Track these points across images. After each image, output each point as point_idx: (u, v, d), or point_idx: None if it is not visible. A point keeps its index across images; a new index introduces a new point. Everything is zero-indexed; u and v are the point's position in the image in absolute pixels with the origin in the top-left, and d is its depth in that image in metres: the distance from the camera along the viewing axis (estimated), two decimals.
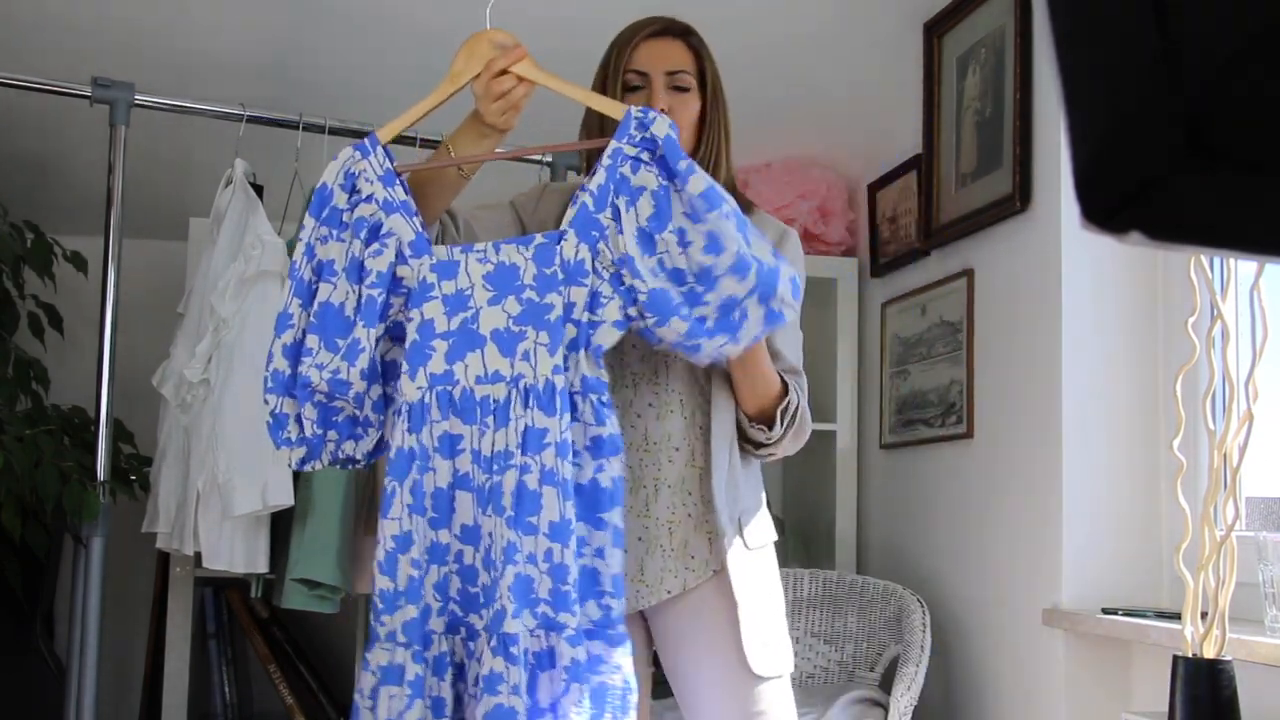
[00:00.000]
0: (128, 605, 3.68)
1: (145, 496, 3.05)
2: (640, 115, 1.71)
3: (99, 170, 2.78)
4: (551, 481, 1.66)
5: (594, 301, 1.69)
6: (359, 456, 1.81)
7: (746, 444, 1.92)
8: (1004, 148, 2.62)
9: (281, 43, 3.05)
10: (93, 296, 2.79)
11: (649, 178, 1.70)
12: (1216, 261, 2.05)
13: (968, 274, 2.79)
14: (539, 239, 1.74)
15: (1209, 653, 1.83)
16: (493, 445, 1.68)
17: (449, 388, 1.71)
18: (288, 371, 1.75)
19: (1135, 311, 2.44)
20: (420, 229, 1.76)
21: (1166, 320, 2.42)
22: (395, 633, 1.69)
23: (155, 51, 3.05)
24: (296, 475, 2.68)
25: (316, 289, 1.75)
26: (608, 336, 1.70)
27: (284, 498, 2.62)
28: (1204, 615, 1.86)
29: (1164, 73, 0.61)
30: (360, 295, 1.73)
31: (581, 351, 1.70)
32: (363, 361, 1.71)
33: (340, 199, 1.77)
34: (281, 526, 2.78)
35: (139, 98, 2.68)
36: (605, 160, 1.71)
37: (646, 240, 1.69)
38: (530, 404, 1.68)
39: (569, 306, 1.70)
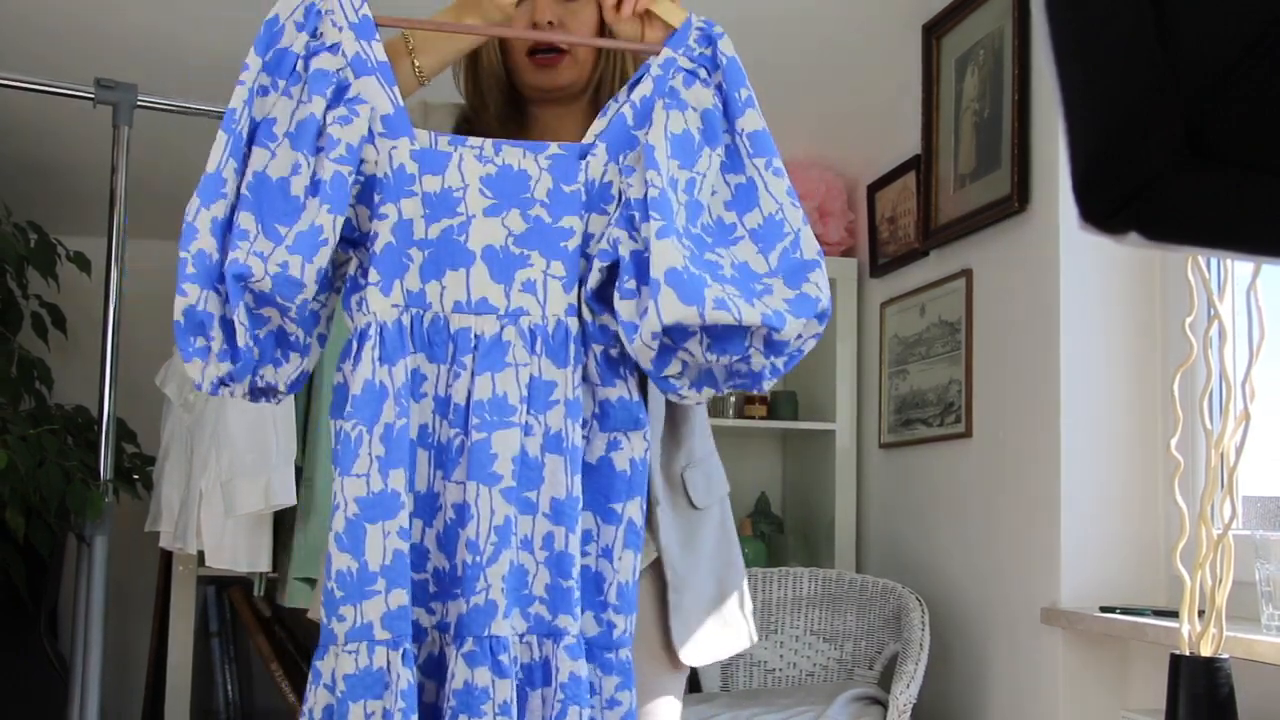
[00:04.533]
0: (131, 604, 3.69)
1: (148, 495, 3.07)
2: (703, 26, 1.45)
3: (102, 171, 2.79)
4: (558, 449, 1.35)
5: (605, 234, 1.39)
6: (281, 386, 1.39)
7: None
8: (1002, 148, 2.63)
9: None
10: (96, 296, 2.80)
11: (704, 95, 1.42)
12: (1214, 262, 2.06)
13: (966, 274, 2.80)
14: (555, 148, 1.41)
15: (1206, 651, 1.84)
16: (471, 393, 1.35)
17: (421, 312, 1.37)
18: (215, 256, 1.31)
19: (1133, 312, 2.45)
20: (399, 102, 1.39)
21: (1164, 320, 2.43)
22: (370, 626, 1.31)
23: (158, 53, 3.06)
24: (298, 474, 2.69)
25: (249, 154, 1.35)
26: (593, 276, 1.39)
27: (286, 497, 2.63)
28: (1201, 613, 1.87)
29: (1162, 75, 0.62)
30: (320, 170, 1.33)
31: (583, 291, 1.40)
32: (322, 258, 1.31)
33: (296, 41, 1.37)
34: (284, 525, 2.79)
35: (142, 99, 2.69)
36: (655, 70, 1.43)
37: (684, 153, 1.39)
38: (537, 349, 1.37)
39: (587, 236, 1.40)
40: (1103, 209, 0.64)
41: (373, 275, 1.36)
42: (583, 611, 1.37)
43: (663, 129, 1.38)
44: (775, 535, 3.60)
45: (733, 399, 3.50)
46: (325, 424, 2.74)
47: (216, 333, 1.32)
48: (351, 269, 1.40)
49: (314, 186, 1.33)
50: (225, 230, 1.32)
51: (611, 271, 1.38)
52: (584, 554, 1.38)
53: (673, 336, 1.33)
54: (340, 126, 1.34)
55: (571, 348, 1.37)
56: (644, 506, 1.41)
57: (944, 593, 2.85)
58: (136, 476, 3.16)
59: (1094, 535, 2.39)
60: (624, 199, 1.39)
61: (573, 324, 1.38)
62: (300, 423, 2.74)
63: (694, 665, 1.57)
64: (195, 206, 1.32)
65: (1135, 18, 0.61)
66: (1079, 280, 2.43)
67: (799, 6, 2.95)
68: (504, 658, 1.31)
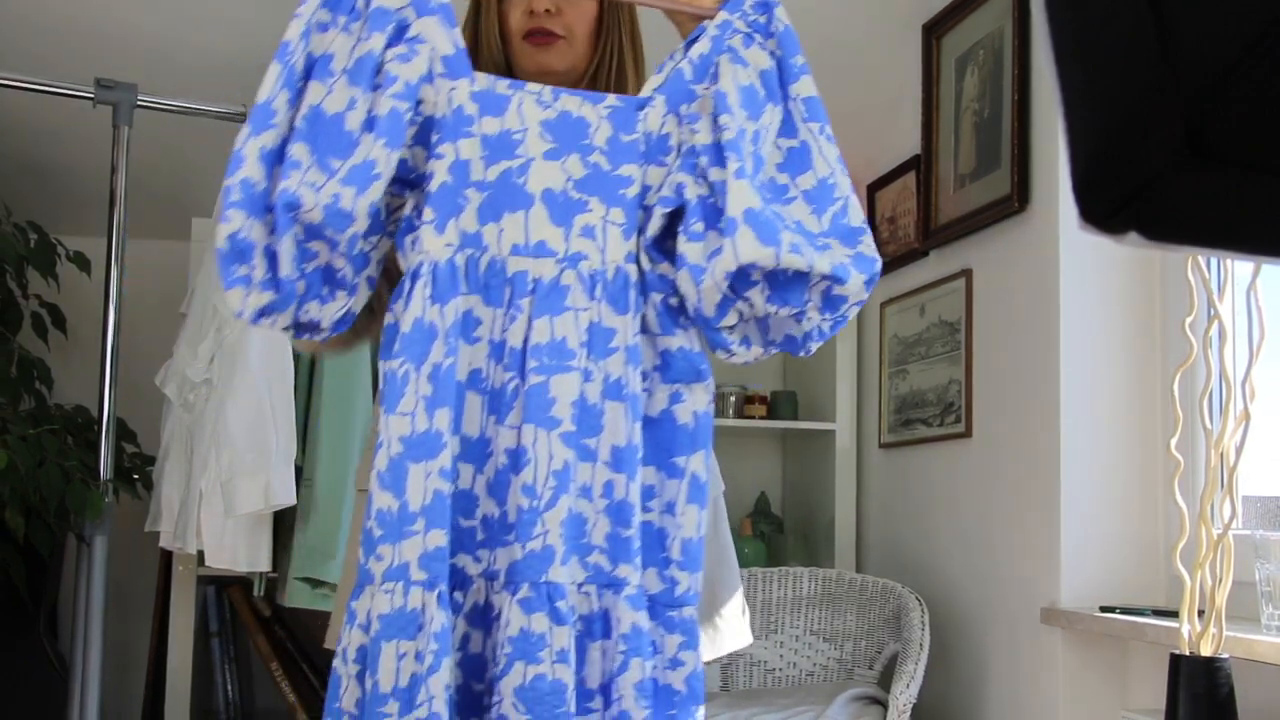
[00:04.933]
0: (131, 603, 3.69)
1: (148, 495, 3.07)
2: None
3: (102, 171, 2.79)
4: (618, 395, 1.33)
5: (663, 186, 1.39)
6: (325, 324, 1.35)
7: None
8: (1002, 148, 2.63)
9: None
10: (96, 296, 2.80)
11: (761, 57, 1.43)
12: (1214, 262, 2.06)
13: (966, 274, 2.80)
14: (612, 99, 1.41)
15: (1206, 650, 1.84)
16: (529, 336, 1.33)
17: (477, 254, 1.35)
18: (262, 184, 1.28)
19: (1133, 311, 2.45)
20: (459, 44, 1.38)
21: (1164, 320, 2.43)
22: (407, 566, 1.27)
23: (158, 53, 3.06)
24: (298, 474, 2.69)
25: (304, 88, 1.32)
26: (654, 223, 1.38)
27: (286, 497, 2.63)
28: (1201, 613, 1.87)
29: (1162, 75, 0.62)
30: (377, 107, 1.31)
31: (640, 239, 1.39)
32: (374, 192, 1.28)
33: None
34: (284, 525, 2.79)
35: (142, 99, 2.69)
36: (713, 30, 1.43)
37: (752, 105, 1.39)
38: (597, 294, 1.35)
39: (645, 187, 1.39)
40: (1103, 209, 0.64)
41: (427, 214, 1.34)
42: (646, 568, 1.35)
43: (732, 79, 1.38)
44: (775, 535, 3.60)
45: (733, 399, 3.50)
46: (325, 424, 2.74)
47: (260, 261, 1.28)
48: (407, 210, 1.37)
49: (369, 122, 1.31)
50: (274, 160, 1.29)
51: (671, 219, 1.37)
52: (646, 510, 1.36)
53: (735, 286, 1.33)
54: (399, 64, 1.32)
55: (631, 294, 1.36)
56: (707, 461, 1.38)
57: (944, 593, 2.85)
58: (136, 476, 3.16)
59: (1094, 535, 2.39)
60: (686, 147, 1.39)
61: (632, 271, 1.37)
62: (300, 423, 2.74)
63: None
64: (244, 135, 1.29)
65: (1135, 18, 0.61)
66: (1079, 280, 2.43)
67: (799, 6, 2.94)
68: (562, 604, 1.28)
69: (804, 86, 1.43)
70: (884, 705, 2.65)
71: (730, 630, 1.64)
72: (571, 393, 1.32)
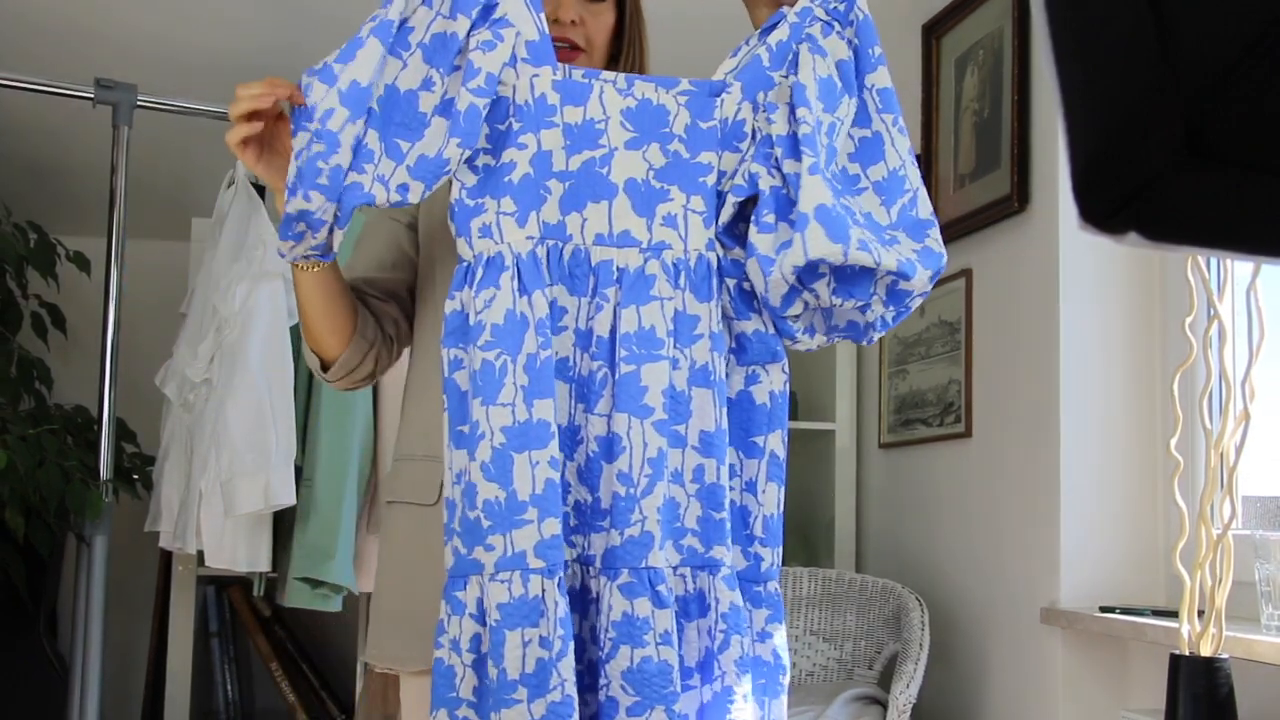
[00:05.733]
0: (131, 604, 3.69)
1: (148, 495, 3.07)
2: None
3: (102, 171, 2.79)
4: (705, 382, 1.35)
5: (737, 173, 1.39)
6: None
7: None
8: (1002, 148, 2.63)
9: (283, 44, 3.06)
10: (95, 297, 2.80)
11: (839, 46, 1.42)
12: (1214, 262, 2.06)
13: (966, 274, 2.80)
14: (686, 84, 1.41)
15: (1206, 650, 1.84)
16: (617, 325, 1.34)
17: (560, 243, 1.36)
18: (345, 170, 1.28)
19: (1133, 311, 2.45)
20: (544, 29, 1.37)
21: (1164, 320, 2.43)
22: (524, 555, 1.28)
23: (158, 53, 3.06)
24: (298, 474, 2.69)
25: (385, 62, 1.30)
26: (726, 211, 1.39)
27: (286, 497, 2.63)
28: (1201, 613, 1.87)
29: (1162, 75, 0.62)
30: (457, 97, 1.30)
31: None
32: (440, 184, 1.32)
33: None
34: (284, 525, 2.79)
35: (142, 99, 2.69)
36: (792, 18, 1.42)
37: (829, 97, 1.38)
38: (681, 283, 1.36)
39: (720, 173, 1.40)
40: (1102, 209, 0.64)
41: (507, 204, 1.34)
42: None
43: (811, 70, 1.38)
44: None
45: None
46: (325, 424, 2.74)
47: (323, 234, 1.30)
48: (455, 192, 1.36)
49: (444, 107, 1.31)
50: (359, 144, 1.29)
51: (743, 206, 1.38)
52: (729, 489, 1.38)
53: (802, 278, 1.34)
54: (483, 53, 1.31)
55: (713, 282, 1.37)
56: (785, 439, 1.40)
57: (944, 593, 2.85)
58: (136, 476, 3.17)
59: (1094, 535, 2.39)
60: (762, 136, 1.39)
61: (713, 258, 1.38)
62: (300, 423, 2.74)
63: None
64: (343, 119, 1.27)
65: (1135, 18, 0.61)
66: (1079, 280, 2.43)
67: None
68: (662, 588, 1.30)
69: (880, 77, 1.43)
70: (884, 705, 2.65)
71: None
72: (662, 381, 1.33)
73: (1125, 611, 2.22)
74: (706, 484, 1.34)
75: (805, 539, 3.64)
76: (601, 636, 1.31)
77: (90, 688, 2.58)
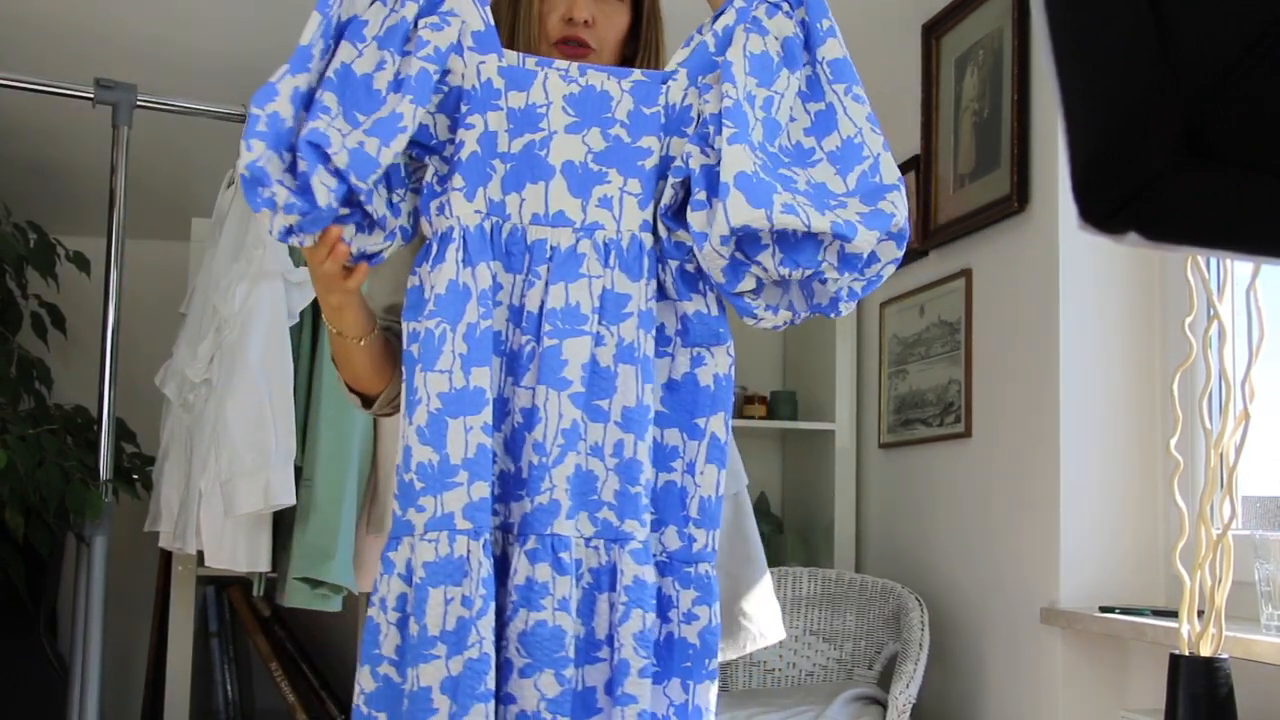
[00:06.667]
0: (130, 604, 3.69)
1: (148, 495, 3.07)
2: None
3: (102, 171, 2.79)
4: (630, 359, 1.38)
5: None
6: (366, 250, 1.40)
7: None
8: (1002, 148, 2.64)
9: (283, 44, 3.06)
10: (95, 297, 2.81)
11: (785, 24, 1.44)
12: (1213, 262, 2.07)
13: (966, 274, 2.80)
14: (637, 74, 1.45)
15: (1206, 651, 1.84)
16: (545, 301, 1.38)
17: (500, 222, 1.40)
18: (289, 123, 1.30)
19: (1133, 311, 2.45)
20: (489, 21, 1.43)
21: (1164, 320, 2.43)
22: (451, 517, 1.33)
23: (158, 53, 3.06)
24: (298, 474, 2.69)
25: (337, 46, 1.36)
26: (667, 193, 1.41)
27: (286, 497, 2.63)
28: (1201, 613, 1.87)
29: (1162, 75, 0.62)
30: (406, 68, 1.35)
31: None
32: (399, 144, 1.32)
33: None
34: (283, 525, 2.79)
35: (141, 99, 2.69)
36: (739, 2, 1.45)
37: (762, 72, 1.40)
38: (611, 262, 1.40)
39: (665, 158, 1.42)
40: (1102, 209, 0.64)
41: (457, 181, 1.39)
42: (666, 525, 1.40)
43: (741, 48, 1.41)
44: (774, 535, 3.60)
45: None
46: (325, 424, 2.74)
47: (278, 189, 1.29)
48: (428, 175, 1.42)
49: (397, 83, 1.35)
50: (304, 103, 1.32)
51: (687, 188, 1.40)
52: (669, 470, 1.41)
53: (745, 250, 1.35)
54: (431, 31, 1.37)
55: (645, 261, 1.40)
56: (728, 422, 1.42)
57: (943, 593, 2.85)
58: (136, 476, 3.17)
59: (1094, 535, 2.39)
60: (701, 118, 1.42)
61: (646, 239, 1.41)
62: (300, 423, 2.74)
63: None
64: (283, 72, 1.32)
65: (1135, 18, 0.61)
66: (1079, 280, 2.43)
67: None
68: (565, 555, 1.34)
69: (831, 49, 1.44)
70: (883, 705, 2.65)
71: (756, 629, 1.66)
72: (582, 355, 1.37)
73: (1125, 611, 2.22)
74: (625, 459, 1.37)
75: (805, 539, 3.64)
76: (506, 600, 1.35)
77: (90, 688, 2.59)
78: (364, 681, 1.36)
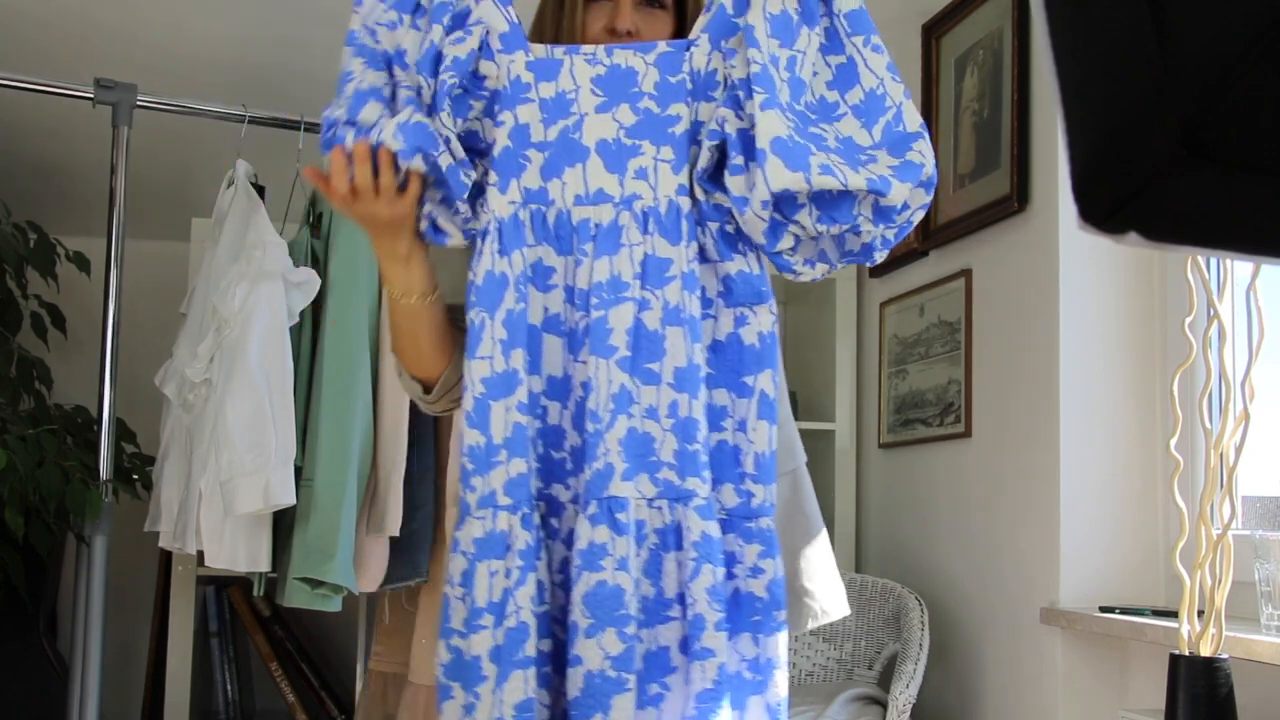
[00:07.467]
0: (130, 604, 3.69)
1: (148, 495, 3.07)
2: None
3: (101, 171, 2.79)
4: (676, 320, 1.41)
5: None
6: (450, 230, 1.49)
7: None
8: (1002, 149, 2.64)
9: (284, 44, 3.06)
10: (95, 297, 2.80)
11: None
12: (1213, 262, 2.07)
13: (966, 274, 2.80)
14: (663, 46, 1.48)
15: (1206, 651, 1.84)
16: (591, 277, 1.42)
17: (543, 208, 1.45)
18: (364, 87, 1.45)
19: (1132, 312, 2.45)
20: (513, 20, 1.49)
21: (1164, 320, 2.43)
22: (494, 494, 1.39)
23: (158, 53, 3.06)
24: (298, 474, 2.69)
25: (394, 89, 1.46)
26: (704, 156, 1.44)
27: (286, 497, 2.63)
28: (1201, 613, 1.87)
29: (1161, 76, 0.62)
30: (433, 87, 1.43)
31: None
32: (445, 157, 1.41)
33: None
34: (284, 525, 2.79)
35: (141, 99, 2.69)
36: None
37: (783, 32, 1.42)
38: (650, 229, 1.43)
39: (696, 123, 1.45)
40: (1102, 209, 0.64)
41: (491, 177, 1.46)
42: (723, 483, 1.42)
43: (761, 10, 1.42)
44: None
45: None
46: (325, 424, 2.74)
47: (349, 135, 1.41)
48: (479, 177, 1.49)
49: (432, 103, 1.44)
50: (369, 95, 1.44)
51: (722, 151, 1.42)
52: (720, 429, 1.43)
53: (783, 210, 1.38)
54: (452, 46, 1.44)
55: (684, 225, 1.43)
56: (775, 379, 1.45)
57: (943, 593, 2.85)
58: (136, 476, 3.16)
59: (1094, 535, 2.39)
60: (729, 82, 1.44)
61: (684, 203, 1.44)
62: (300, 423, 2.74)
63: None
64: (351, 109, 1.44)
65: (1135, 18, 0.61)
66: (1079, 280, 2.43)
67: None
68: (622, 516, 1.37)
69: (846, 1, 1.46)
70: (883, 705, 2.65)
71: (819, 606, 1.69)
72: (626, 321, 1.41)
73: (1125, 611, 2.22)
74: (681, 418, 1.39)
75: None
76: (571, 566, 1.39)
77: (90, 688, 2.58)
78: (441, 653, 1.42)
